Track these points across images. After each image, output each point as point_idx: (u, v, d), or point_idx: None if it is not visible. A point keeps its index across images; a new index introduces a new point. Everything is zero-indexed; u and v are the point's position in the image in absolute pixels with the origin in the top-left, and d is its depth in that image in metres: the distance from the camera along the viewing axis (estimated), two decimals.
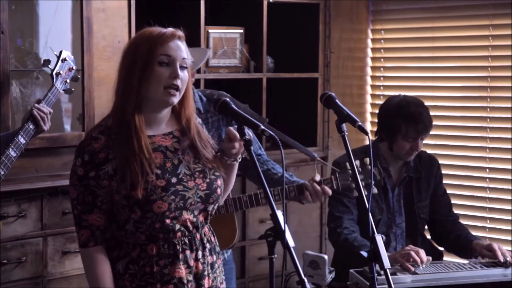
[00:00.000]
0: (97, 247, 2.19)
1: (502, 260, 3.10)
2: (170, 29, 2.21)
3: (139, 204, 2.14)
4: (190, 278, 2.22)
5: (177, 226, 2.20)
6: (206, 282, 2.27)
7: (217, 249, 2.36)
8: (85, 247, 2.19)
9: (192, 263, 2.23)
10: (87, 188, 2.16)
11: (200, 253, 2.26)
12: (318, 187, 2.87)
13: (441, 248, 3.64)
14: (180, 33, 2.22)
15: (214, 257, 2.33)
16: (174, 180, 2.20)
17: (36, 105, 3.08)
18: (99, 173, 2.15)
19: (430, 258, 3.10)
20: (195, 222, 2.24)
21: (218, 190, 2.30)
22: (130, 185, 2.14)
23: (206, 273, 2.27)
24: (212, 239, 2.34)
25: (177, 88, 2.19)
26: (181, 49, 2.21)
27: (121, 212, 2.18)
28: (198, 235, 2.26)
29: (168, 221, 2.18)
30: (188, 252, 2.23)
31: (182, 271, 2.20)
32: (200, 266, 2.25)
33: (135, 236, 2.19)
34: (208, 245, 2.30)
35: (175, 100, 2.21)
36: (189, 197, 2.21)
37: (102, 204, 2.17)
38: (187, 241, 2.23)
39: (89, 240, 2.18)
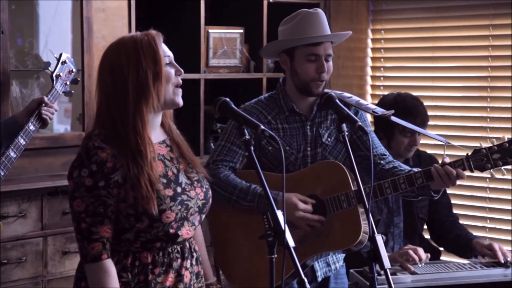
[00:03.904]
0: (109, 260, 2.08)
1: (503, 261, 3.10)
2: (152, 31, 2.17)
3: (148, 213, 2.07)
4: (181, 286, 2.19)
5: (179, 237, 2.16)
6: None
7: (200, 259, 2.33)
8: (97, 261, 2.06)
9: (183, 271, 2.20)
10: (98, 199, 2.05)
11: (189, 262, 2.23)
12: (450, 168, 2.72)
13: (440, 248, 3.63)
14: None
15: (200, 266, 2.30)
16: (179, 189, 2.16)
17: (45, 107, 3.11)
18: (108, 182, 2.05)
19: (429, 254, 3.09)
20: (190, 232, 2.21)
21: (210, 200, 2.28)
22: (141, 198, 2.06)
23: (192, 282, 2.24)
24: (197, 248, 2.31)
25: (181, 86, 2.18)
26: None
27: (123, 222, 2.10)
28: (187, 244, 2.23)
29: (172, 231, 2.13)
30: (179, 260, 2.20)
31: (172, 280, 2.17)
32: (189, 276, 2.22)
33: (131, 245, 2.13)
34: (195, 254, 2.27)
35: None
36: (191, 206, 2.18)
37: (111, 214, 2.07)
38: (179, 249, 2.20)
39: (102, 253, 2.06)
